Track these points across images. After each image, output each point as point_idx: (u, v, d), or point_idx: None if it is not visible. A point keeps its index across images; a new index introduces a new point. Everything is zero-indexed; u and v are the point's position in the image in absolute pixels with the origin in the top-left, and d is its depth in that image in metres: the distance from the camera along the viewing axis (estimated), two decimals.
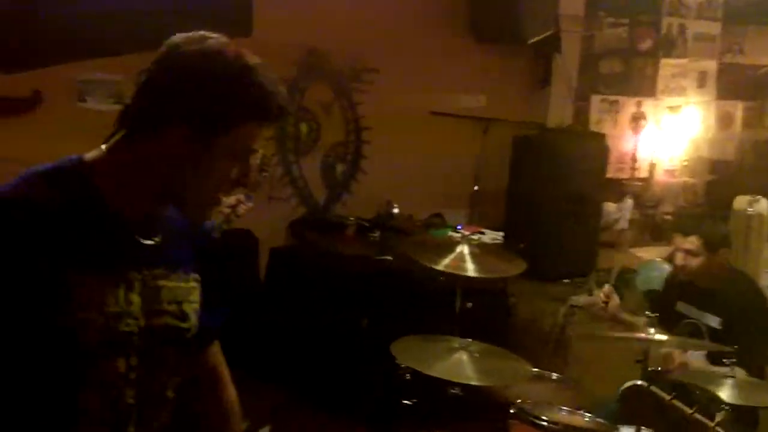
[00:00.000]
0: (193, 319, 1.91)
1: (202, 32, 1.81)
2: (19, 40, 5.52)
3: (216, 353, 2.14)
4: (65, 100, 5.68)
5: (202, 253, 1.99)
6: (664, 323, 4.03)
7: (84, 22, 5.54)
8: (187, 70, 1.74)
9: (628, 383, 3.57)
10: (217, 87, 1.72)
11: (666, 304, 4.11)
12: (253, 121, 1.77)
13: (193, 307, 1.91)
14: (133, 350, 1.77)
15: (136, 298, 1.77)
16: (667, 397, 3.13)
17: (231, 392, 2.16)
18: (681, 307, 4.07)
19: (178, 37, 1.80)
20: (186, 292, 1.91)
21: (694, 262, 3.91)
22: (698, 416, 3.08)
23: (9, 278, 1.64)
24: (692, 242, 3.89)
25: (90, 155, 1.84)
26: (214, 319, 2.05)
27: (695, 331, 3.95)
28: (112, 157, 1.82)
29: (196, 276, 1.94)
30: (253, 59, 1.77)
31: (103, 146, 1.84)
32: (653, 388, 3.20)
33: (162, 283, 1.84)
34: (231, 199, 4.16)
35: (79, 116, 5.69)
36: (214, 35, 1.81)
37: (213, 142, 1.74)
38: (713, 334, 3.91)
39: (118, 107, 5.43)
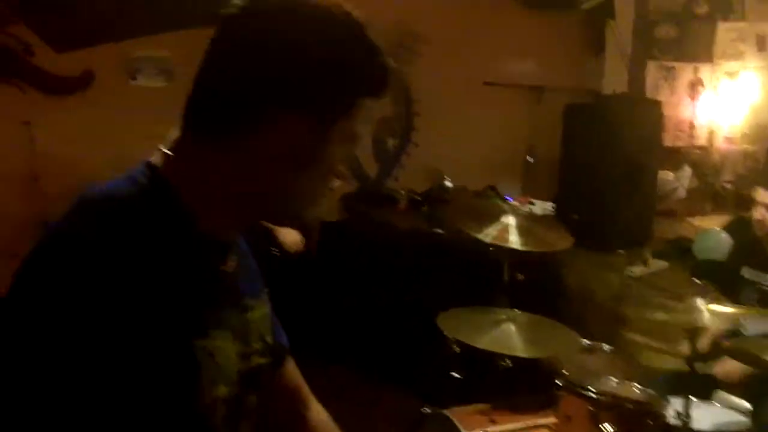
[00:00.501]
0: (271, 342, 1.55)
1: None
2: (70, 19, 5.58)
3: (292, 371, 1.75)
4: (116, 78, 5.75)
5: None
6: (729, 289, 3.97)
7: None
8: (286, 40, 1.28)
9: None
10: (332, 57, 1.30)
11: (731, 270, 4.02)
12: (374, 95, 1.38)
13: (270, 329, 1.57)
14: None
15: (233, 348, 1.39)
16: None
17: (320, 413, 1.78)
18: (746, 272, 4.00)
19: None
20: (266, 317, 1.56)
21: None
22: None
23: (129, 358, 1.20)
24: None
25: (165, 168, 1.37)
26: (282, 332, 1.70)
27: (764, 297, 3.86)
28: (194, 167, 1.36)
29: (266, 290, 1.59)
30: (357, 13, 1.38)
31: (166, 150, 1.40)
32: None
33: (249, 316, 1.47)
34: None
35: (131, 94, 5.76)
36: None
37: (331, 128, 1.33)
38: None
39: (168, 84, 5.49)
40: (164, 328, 1.23)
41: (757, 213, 3.86)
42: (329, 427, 1.76)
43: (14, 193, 5.61)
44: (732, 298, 3.92)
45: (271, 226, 4.38)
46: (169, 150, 1.38)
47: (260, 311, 1.51)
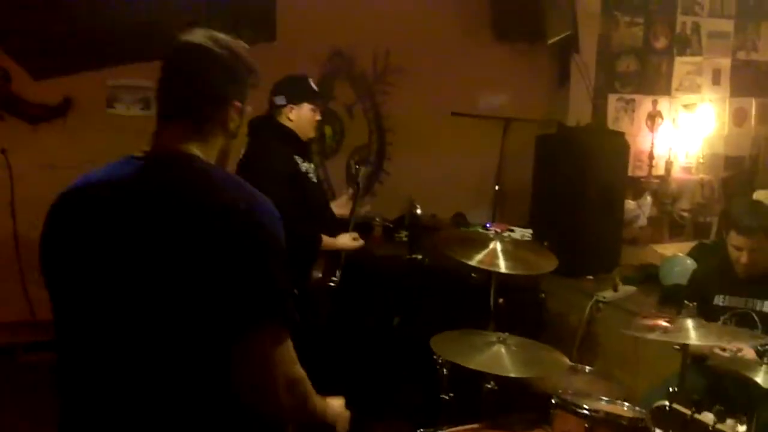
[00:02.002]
0: None
1: (203, 29, 2.16)
2: (49, 47, 5.62)
3: None
4: (95, 106, 5.79)
5: None
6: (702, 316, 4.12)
7: (112, 28, 5.64)
8: (231, 59, 2.12)
9: (656, 403, 3.62)
10: (247, 70, 2.15)
11: (702, 297, 4.15)
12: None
13: None
14: None
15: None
16: (689, 413, 3.18)
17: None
18: (720, 300, 4.11)
19: (197, 35, 2.12)
20: None
21: (754, 255, 3.95)
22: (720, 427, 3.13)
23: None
24: (756, 243, 3.93)
25: (194, 151, 2.08)
26: None
27: (743, 321, 4.01)
28: (205, 144, 2.11)
29: None
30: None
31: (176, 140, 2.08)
32: (675, 406, 3.25)
33: None
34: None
35: (108, 122, 5.79)
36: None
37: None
38: (766, 320, 3.97)
39: (146, 113, 5.54)
40: None
41: (734, 254, 4.00)
42: None
43: None
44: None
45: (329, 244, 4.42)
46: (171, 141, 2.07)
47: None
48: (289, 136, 4.41)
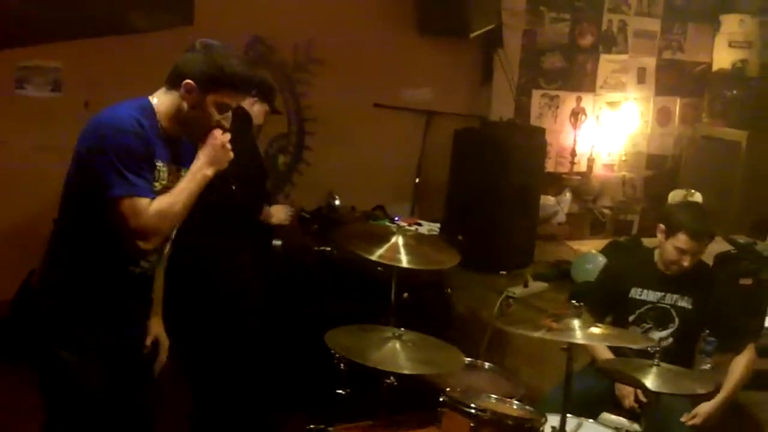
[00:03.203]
0: None
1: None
2: None
3: None
4: (3, 87, 5.63)
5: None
6: (616, 310, 4.12)
7: (23, 7, 5.50)
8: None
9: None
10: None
11: (618, 292, 4.16)
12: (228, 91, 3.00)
13: None
14: None
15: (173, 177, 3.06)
16: None
17: None
18: (637, 293, 4.11)
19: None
20: None
21: (693, 259, 3.95)
22: None
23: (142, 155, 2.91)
24: (703, 248, 3.98)
25: (154, 100, 3.01)
26: None
27: (661, 316, 4.03)
28: (162, 100, 3.01)
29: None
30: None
31: (159, 93, 3.02)
32: None
33: (181, 173, 3.07)
34: None
35: (18, 104, 5.65)
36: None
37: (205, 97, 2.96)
38: (684, 316, 4.01)
39: (56, 95, 5.47)
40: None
41: (674, 255, 3.98)
42: None
43: None
44: (623, 314, 4.11)
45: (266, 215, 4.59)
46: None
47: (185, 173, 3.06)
48: (250, 119, 4.67)
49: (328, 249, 4.89)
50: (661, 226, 4.03)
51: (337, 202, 5.84)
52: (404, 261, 3.89)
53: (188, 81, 2.93)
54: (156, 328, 3.41)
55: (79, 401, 3.00)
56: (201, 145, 3.04)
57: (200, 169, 3.03)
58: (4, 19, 5.50)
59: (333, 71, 6.36)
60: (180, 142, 3.10)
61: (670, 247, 3.97)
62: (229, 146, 3.10)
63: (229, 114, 3.09)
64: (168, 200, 2.95)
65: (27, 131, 5.58)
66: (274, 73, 6.29)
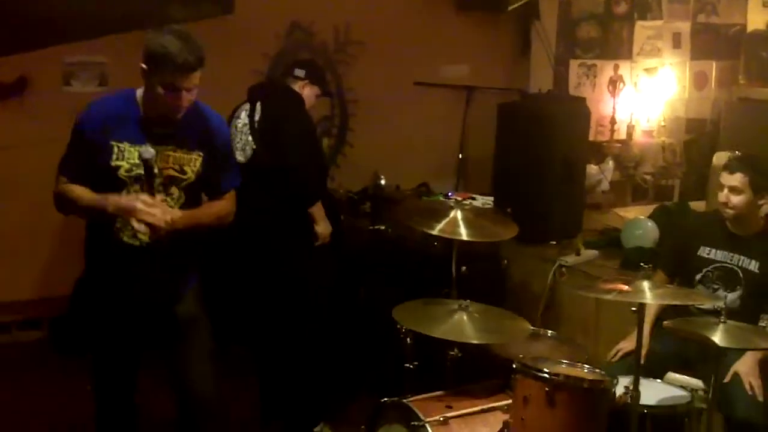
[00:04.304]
0: (190, 174, 3.31)
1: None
2: (3, 24, 5.53)
3: (212, 201, 3.47)
4: (51, 83, 5.71)
5: (206, 138, 3.35)
6: (683, 269, 4.15)
7: (68, 4, 5.57)
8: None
9: None
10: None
11: (684, 251, 4.17)
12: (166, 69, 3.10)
13: (192, 168, 3.31)
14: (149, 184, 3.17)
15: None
16: None
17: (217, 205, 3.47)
18: (705, 252, 4.10)
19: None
20: (187, 160, 3.30)
21: (737, 199, 3.93)
22: None
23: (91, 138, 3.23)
24: (737, 179, 3.93)
25: (140, 89, 3.25)
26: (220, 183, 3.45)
27: (727, 276, 4.02)
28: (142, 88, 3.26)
29: (200, 152, 3.33)
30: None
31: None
32: None
33: (169, 153, 3.25)
34: None
35: (65, 99, 5.71)
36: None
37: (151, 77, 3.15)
38: (751, 279, 3.98)
39: (103, 89, 5.63)
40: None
41: (721, 196, 4.00)
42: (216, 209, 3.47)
43: None
44: (689, 273, 4.12)
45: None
46: None
47: (180, 154, 3.27)
48: (303, 103, 4.77)
49: (383, 228, 4.94)
50: None
51: (382, 182, 5.89)
52: (464, 234, 3.97)
53: (141, 65, 3.16)
54: None
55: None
56: (129, 200, 3.15)
57: (102, 204, 3.19)
58: (48, 17, 5.58)
59: (372, 52, 6.40)
60: (172, 124, 3.25)
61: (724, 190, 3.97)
62: (143, 216, 3.12)
63: (183, 93, 3.15)
64: (72, 195, 3.29)
65: None
66: (315, 57, 6.35)
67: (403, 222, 4.17)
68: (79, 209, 3.32)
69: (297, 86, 4.76)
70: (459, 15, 6.65)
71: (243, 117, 4.67)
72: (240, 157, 4.52)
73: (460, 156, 6.33)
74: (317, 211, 4.60)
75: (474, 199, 5.50)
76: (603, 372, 3.47)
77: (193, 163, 3.32)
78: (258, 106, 4.65)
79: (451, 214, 4.05)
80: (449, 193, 5.28)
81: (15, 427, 4.66)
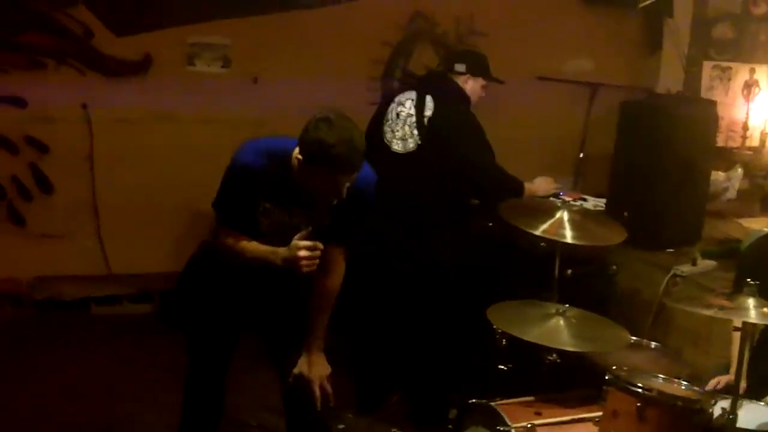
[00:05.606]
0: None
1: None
2: (131, 3, 5.68)
3: (336, 255, 3.47)
4: (175, 62, 5.85)
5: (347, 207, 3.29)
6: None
7: None
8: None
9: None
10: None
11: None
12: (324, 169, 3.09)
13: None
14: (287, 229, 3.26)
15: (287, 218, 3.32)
16: None
17: (333, 281, 3.50)
18: None
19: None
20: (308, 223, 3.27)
21: None
22: None
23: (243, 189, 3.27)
24: None
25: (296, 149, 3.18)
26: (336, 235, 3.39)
27: None
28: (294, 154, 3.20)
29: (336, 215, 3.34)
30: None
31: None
32: None
33: (312, 214, 3.29)
34: None
35: (188, 79, 5.84)
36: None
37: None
38: None
39: (225, 71, 5.73)
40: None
41: None
42: (326, 292, 3.51)
43: (72, 175, 5.73)
44: None
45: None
46: None
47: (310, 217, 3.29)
48: (468, 99, 4.79)
49: (489, 224, 4.84)
50: None
51: None
52: (568, 237, 3.86)
53: (296, 155, 3.14)
54: (303, 365, 3.49)
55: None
56: (291, 251, 3.17)
57: (272, 258, 3.26)
58: None
59: (495, 44, 6.27)
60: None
61: None
62: (306, 262, 3.17)
63: (337, 189, 3.14)
64: (238, 248, 3.34)
65: (197, 105, 5.77)
66: (436, 47, 6.29)
67: (507, 219, 4.07)
68: (244, 259, 3.37)
69: (460, 81, 4.76)
70: (586, 9, 6.49)
71: (408, 107, 4.66)
72: (397, 146, 4.60)
73: (581, 155, 6.16)
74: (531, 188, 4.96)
75: (585, 200, 5.33)
76: (701, 390, 3.31)
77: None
78: (428, 100, 4.64)
79: (557, 215, 3.94)
80: (560, 192, 5.13)
81: (114, 397, 4.79)
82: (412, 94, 4.68)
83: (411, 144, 4.57)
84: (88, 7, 5.59)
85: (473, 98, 4.78)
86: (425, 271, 4.51)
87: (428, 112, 4.59)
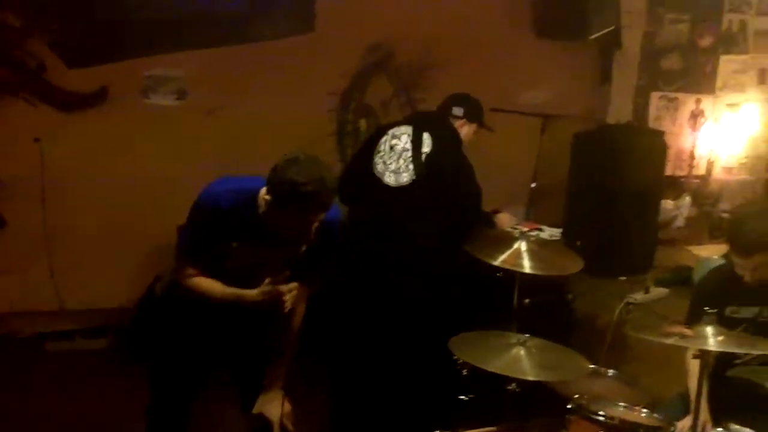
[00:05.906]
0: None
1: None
2: (84, 35, 5.65)
3: (302, 295, 3.39)
4: (130, 95, 5.80)
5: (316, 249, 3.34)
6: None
7: (149, 17, 5.67)
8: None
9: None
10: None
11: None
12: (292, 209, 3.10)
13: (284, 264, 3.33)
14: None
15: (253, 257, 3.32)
16: None
17: (296, 319, 3.48)
18: (730, 312, 3.72)
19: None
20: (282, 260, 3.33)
21: (756, 273, 3.54)
22: None
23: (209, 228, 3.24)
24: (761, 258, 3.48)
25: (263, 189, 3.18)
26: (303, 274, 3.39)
27: (762, 331, 3.61)
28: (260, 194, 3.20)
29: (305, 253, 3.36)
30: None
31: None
32: None
33: (279, 252, 3.30)
34: None
35: (144, 112, 5.81)
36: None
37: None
38: None
39: (181, 103, 5.70)
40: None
41: (736, 269, 3.72)
42: (288, 331, 3.51)
43: (24, 209, 5.66)
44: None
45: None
46: None
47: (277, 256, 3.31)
48: (461, 142, 4.88)
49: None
50: None
51: None
52: (527, 267, 3.90)
53: (264, 195, 3.14)
54: (261, 405, 3.48)
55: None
56: (266, 289, 3.20)
57: (244, 300, 3.27)
58: (130, 30, 5.68)
59: (450, 75, 6.35)
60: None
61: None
62: (286, 303, 3.22)
63: (306, 229, 3.16)
64: (206, 287, 3.32)
65: (153, 139, 5.75)
66: (391, 80, 6.35)
67: (466, 249, 4.11)
68: (211, 299, 3.35)
69: (456, 124, 4.85)
70: (539, 41, 6.58)
71: (404, 141, 4.68)
72: (389, 179, 4.59)
73: (533, 185, 6.24)
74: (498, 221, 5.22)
75: (541, 230, 5.41)
76: (661, 418, 3.37)
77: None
78: (426, 137, 4.66)
79: (515, 245, 3.99)
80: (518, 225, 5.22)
81: None
82: (408, 129, 4.71)
83: (405, 178, 4.57)
84: (41, 40, 5.54)
85: (465, 141, 4.86)
86: (403, 300, 4.53)
87: (426, 149, 4.61)
